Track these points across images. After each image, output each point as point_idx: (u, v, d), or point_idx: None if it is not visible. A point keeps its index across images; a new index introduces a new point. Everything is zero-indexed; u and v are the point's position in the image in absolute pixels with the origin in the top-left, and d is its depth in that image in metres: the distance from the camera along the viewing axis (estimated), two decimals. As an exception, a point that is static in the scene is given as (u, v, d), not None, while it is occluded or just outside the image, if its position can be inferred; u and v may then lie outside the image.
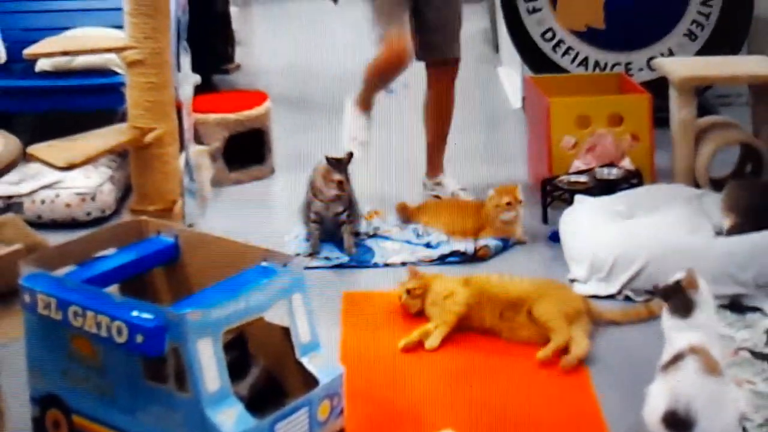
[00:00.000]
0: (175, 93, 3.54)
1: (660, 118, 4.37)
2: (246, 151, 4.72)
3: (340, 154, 3.87)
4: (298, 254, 3.72)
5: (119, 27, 3.60)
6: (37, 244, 3.56)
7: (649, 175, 4.26)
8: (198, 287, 2.71)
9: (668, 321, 2.62)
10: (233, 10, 6.52)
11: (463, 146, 4.69)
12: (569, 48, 5.25)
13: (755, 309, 3.33)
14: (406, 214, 4.13)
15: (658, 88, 4.54)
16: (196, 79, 3.87)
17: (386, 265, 3.80)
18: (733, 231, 3.61)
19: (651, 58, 4.97)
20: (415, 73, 4.28)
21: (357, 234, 3.94)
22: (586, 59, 5.27)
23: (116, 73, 4.54)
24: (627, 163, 4.23)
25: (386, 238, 3.99)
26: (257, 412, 2.40)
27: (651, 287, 2.97)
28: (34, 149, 3.36)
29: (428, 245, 3.89)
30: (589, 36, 5.24)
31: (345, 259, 3.83)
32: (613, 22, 5.22)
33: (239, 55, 6.45)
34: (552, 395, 2.91)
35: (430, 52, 4.17)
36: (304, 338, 2.59)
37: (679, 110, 4.23)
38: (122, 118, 3.51)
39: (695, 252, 3.39)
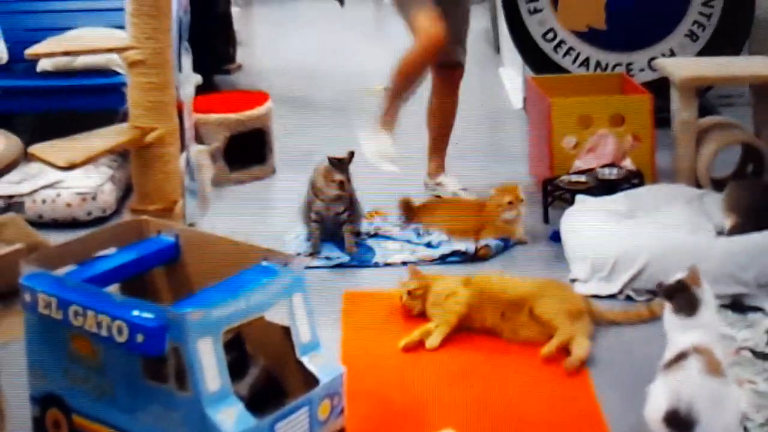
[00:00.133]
0: (176, 93, 3.54)
1: (661, 119, 4.37)
2: (247, 151, 4.73)
3: (341, 154, 3.87)
4: (298, 254, 3.71)
5: (121, 27, 3.60)
6: (37, 243, 3.56)
7: (650, 176, 4.25)
8: (198, 287, 2.70)
9: (671, 320, 2.61)
10: (234, 10, 6.54)
11: (464, 146, 4.69)
12: (570, 48, 5.25)
13: (756, 309, 3.33)
14: (409, 210, 4.13)
15: (660, 88, 4.54)
16: (198, 79, 3.88)
17: (387, 264, 3.80)
18: (735, 231, 3.61)
19: (652, 59, 4.97)
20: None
21: (358, 234, 3.94)
22: (587, 60, 5.27)
23: (117, 73, 4.54)
24: (628, 164, 4.22)
25: (387, 237, 3.99)
26: (257, 411, 2.40)
27: (653, 287, 2.97)
28: (35, 149, 3.36)
29: (429, 245, 3.89)
30: (591, 36, 5.24)
31: (346, 258, 3.82)
32: (614, 23, 5.22)
33: (240, 55, 6.46)
34: (552, 395, 2.91)
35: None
36: (304, 338, 2.59)
37: (681, 111, 4.22)
38: (123, 118, 3.51)
39: (696, 252, 3.38)
